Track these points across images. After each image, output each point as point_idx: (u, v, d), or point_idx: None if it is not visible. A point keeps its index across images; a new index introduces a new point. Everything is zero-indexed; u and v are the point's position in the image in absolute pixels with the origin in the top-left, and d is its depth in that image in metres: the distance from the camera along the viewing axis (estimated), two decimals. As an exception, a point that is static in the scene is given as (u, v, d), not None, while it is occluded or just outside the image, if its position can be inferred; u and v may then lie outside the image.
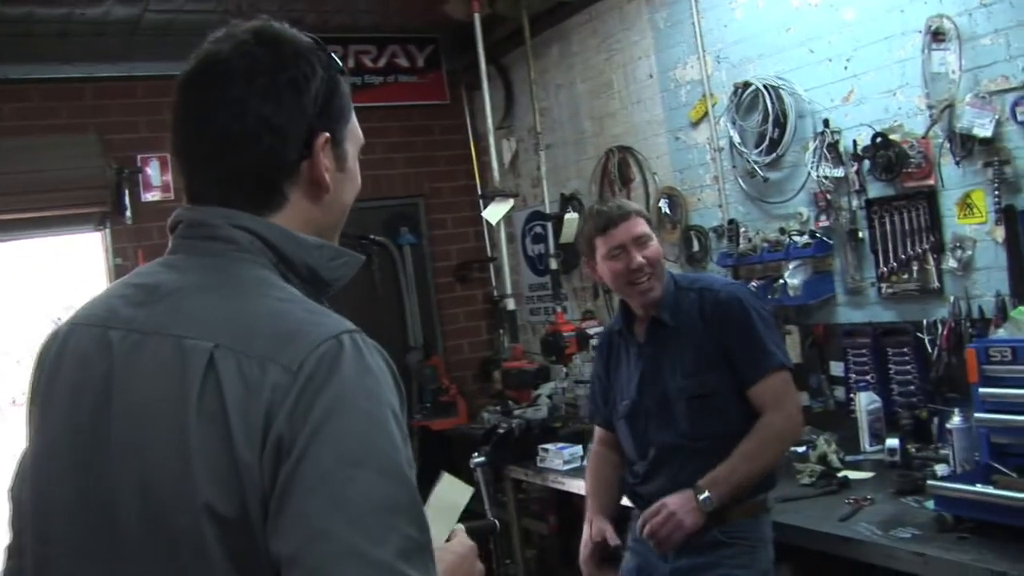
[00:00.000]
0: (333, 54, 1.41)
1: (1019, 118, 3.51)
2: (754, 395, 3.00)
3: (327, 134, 1.36)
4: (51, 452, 1.29)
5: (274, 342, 1.18)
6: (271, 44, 1.35)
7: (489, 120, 6.07)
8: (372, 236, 6.79)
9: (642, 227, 3.09)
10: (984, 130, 3.63)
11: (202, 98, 1.33)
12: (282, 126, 1.31)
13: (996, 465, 2.92)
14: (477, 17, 5.83)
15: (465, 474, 5.20)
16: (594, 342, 5.66)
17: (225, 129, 1.30)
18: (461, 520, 2.36)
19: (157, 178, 6.10)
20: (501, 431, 4.99)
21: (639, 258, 3.04)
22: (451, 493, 1.72)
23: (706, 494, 2.90)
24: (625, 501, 3.41)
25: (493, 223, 5.96)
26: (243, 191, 1.33)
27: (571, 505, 5.17)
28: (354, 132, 1.45)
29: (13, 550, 1.37)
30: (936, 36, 3.80)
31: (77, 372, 1.28)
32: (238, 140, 1.30)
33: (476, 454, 4.80)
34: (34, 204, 5.63)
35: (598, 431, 3.45)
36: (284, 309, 1.25)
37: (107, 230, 6.04)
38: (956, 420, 3.29)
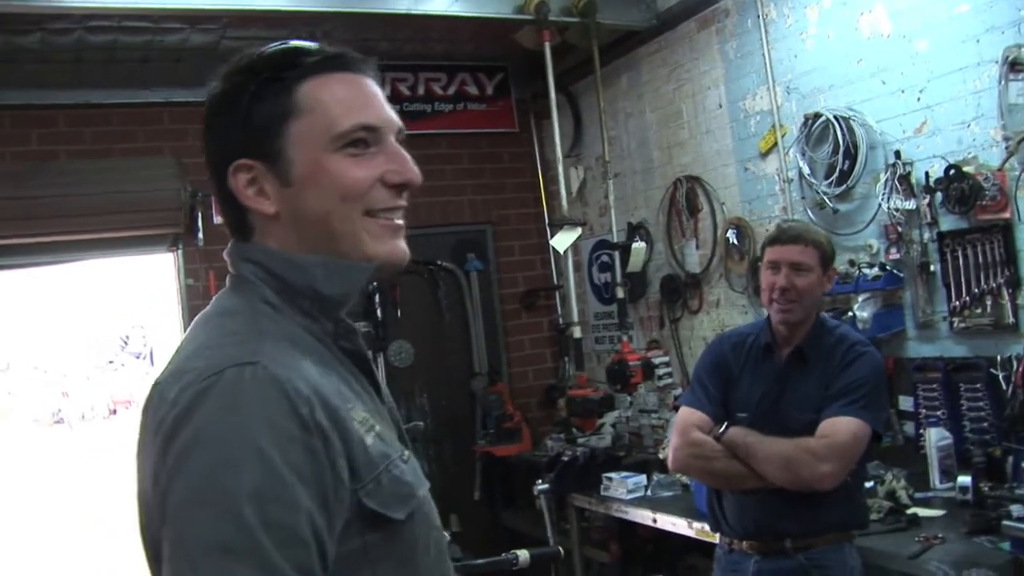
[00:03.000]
0: (274, 48, 1.37)
1: (1098, 151, 3.45)
2: (821, 424, 2.98)
3: (241, 161, 1.33)
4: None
5: (175, 376, 1.22)
6: (223, 79, 1.37)
7: (558, 148, 6.10)
8: (439, 262, 6.85)
9: (805, 256, 3.15)
10: (1063, 162, 3.58)
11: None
12: (215, 161, 1.37)
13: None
14: (548, 46, 5.87)
15: (528, 500, 5.22)
16: (661, 371, 5.66)
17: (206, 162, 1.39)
18: (527, 548, 2.38)
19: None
20: (565, 459, 5.00)
21: (782, 280, 3.12)
22: None
23: (725, 426, 3.08)
24: (697, 533, 3.40)
25: (561, 251, 5.97)
26: (230, 224, 1.40)
27: (634, 534, 5.16)
28: (307, 133, 1.32)
29: None
30: (1014, 67, 3.75)
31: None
32: (208, 177, 1.39)
33: (540, 481, 4.81)
34: (111, 224, 5.76)
35: (698, 416, 3.22)
36: (213, 341, 1.26)
37: (179, 251, 6.16)
38: (1031, 458, 3.23)
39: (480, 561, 2.06)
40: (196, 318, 1.37)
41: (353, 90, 1.36)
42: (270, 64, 1.34)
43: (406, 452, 1.34)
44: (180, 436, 1.15)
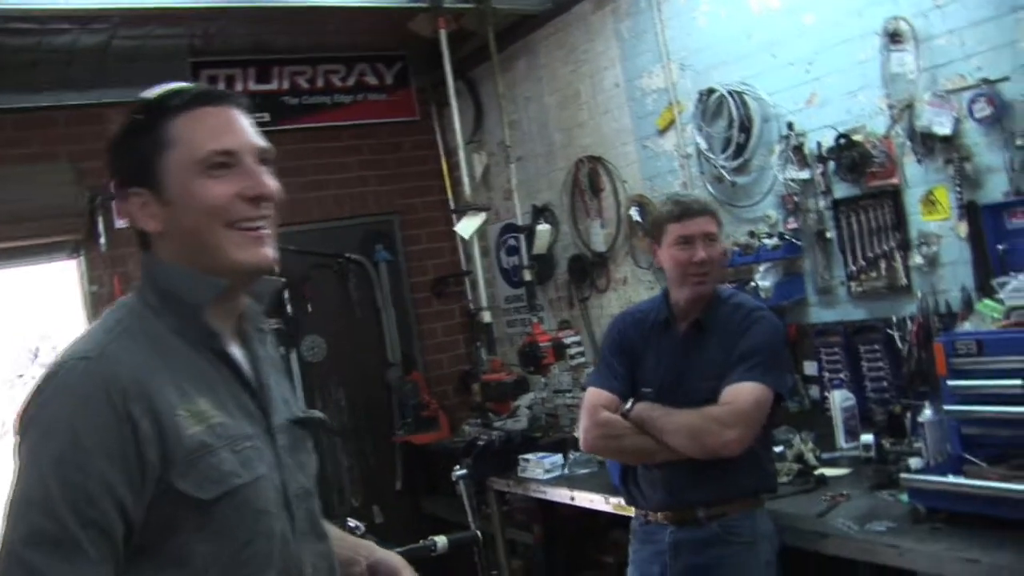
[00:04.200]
0: (151, 94, 1.64)
1: (976, 115, 3.57)
2: (723, 392, 3.04)
3: (133, 189, 1.61)
4: None
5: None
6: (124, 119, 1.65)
7: (459, 135, 6.12)
8: (347, 255, 6.82)
9: (714, 227, 3.21)
10: (943, 128, 3.70)
11: None
12: (116, 189, 1.66)
13: (967, 456, 2.98)
14: (443, 33, 5.87)
15: (450, 487, 5.23)
16: (573, 350, 5.72)
17: None
18: (445, 533, 2.41)
19: (130, 205, 6.10)
20: (481, 443, 5.03)
21: (702, 253, 3.14)
22: None
23: (631, 403, 3.14)
24: (614, 508, 3.45)
25: (466, 237, 5.99)
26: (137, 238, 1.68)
27: (556, 514, 5.21)
28: (180, 159, 1.59)
29: None
30: (894, 37, 3.87)
31: None
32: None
33: (457, 467, 4.82)
34: (8, 234, 5.63)
35: (605, 396, 3.26)
36: (82, 335, 1.58)
37: (81, 258, 6.04)
38: (927, 413, 3.35)
39: (398, 550, 2.06)
40: None
41: (213, 121, 1.62)
42: (146, 108, 1.62)
43: (246, 443, 1.57)
44: (25, 414, 1.48)
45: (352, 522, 2.71)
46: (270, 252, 1.63)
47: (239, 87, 6.57)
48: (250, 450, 1.57)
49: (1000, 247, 3.45)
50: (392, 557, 1.88)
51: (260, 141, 1.66)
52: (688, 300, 3.21)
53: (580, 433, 3.34)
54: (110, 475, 1.41)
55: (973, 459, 2.95)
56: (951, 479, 2.88)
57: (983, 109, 3.55)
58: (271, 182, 1.64)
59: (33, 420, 1.46)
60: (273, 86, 6.73)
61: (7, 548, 1.38)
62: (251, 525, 1.54)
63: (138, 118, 1.62)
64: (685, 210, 3.22)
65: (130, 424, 1.44)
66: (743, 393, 3.00)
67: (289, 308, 6.57)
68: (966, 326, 3.35)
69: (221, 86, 6.46)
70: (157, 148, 1.59)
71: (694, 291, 3.19)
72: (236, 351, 1.68)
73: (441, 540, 2.81)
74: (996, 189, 3.60)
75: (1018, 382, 2.84)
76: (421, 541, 2.75)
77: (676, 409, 3.05)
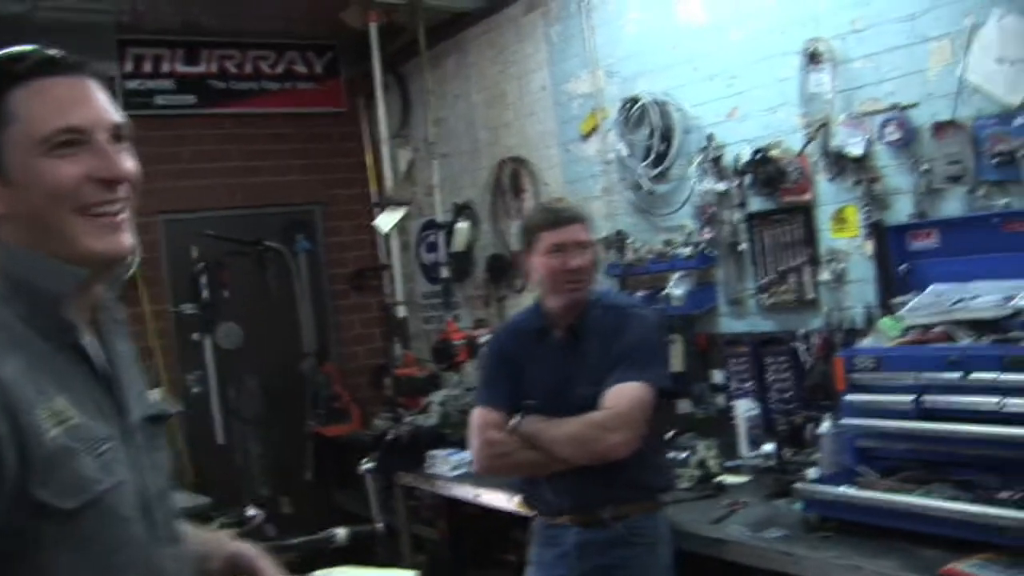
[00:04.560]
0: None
1: (887, 139, 3.68)
2: (604, 395, 3.03)
3: None
4: None
5: None
6: None
7: (384, 128, 6.11)
8: (267, 242, 6.77)
9: (586, 235, 3.19)
10: (856, 149, 3.80)
11: None
12: None
13: (859, 468, 3.06)
14: (373, 27, 5.87)
15: (355, 480, 5.23)
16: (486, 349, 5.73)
17: None
18: (347, 525, 2.41)
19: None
20: (390, 437, 5.02)
21: (576, 260, 3.12)
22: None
23: (518, 419, 3.08)
24: (517, 507, 3.46)
25: (384, 231, 6.00)
26: None
27: (461, 511, 5.22)
28: (22, 137, 1.39)
29: None
30: (813, 58, 3.97)
31: None
32: None
33: (365, 460, 4.82)
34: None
35: (491, 415, 3.21)
36: None
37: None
38: (825, 425, 3.43)
39: (295, 540, 2.06)
40: None
41: (61, 93, 1.42)
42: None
43: (105, 445, 1.40)
44: None
45: (251, 510, 2.70)
46: (127, 240, 1.46)
47: (166, 68, 6.50)
48: (110, 452, 1.41)
49: (902, 267, 3.54)
50: (247, 547, 1.72)
51: (115, 116, 1.46)
52: (562, 307, 3.19)
53: (472, 454, 3.30)
54: None
55: (866, 471, 3.04)
56: (842, 489, 2.96)
57: (893, 133, 3.66)
58: (128, 163, 1.46)
59: None
60: (201, 68, 6.66)
61: None
62: (116, 533, 1.41)
63: None
64: (557, 218, 3.19)
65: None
66: (623, 395, 2.99)
67: (206, 293, 6.51)
68: (866, 342, 3.44)
69: (148, 66, 6.38)
70: None
71: (569, 298, 3.17)
72: (91, 344, 1.48)
73: (341, 532, 2.80)
74: (902, 211, 3.71)
75: (911, 398, 2.93)
76: (320, 532, 2.75)
77: (560, 419, 3.03)
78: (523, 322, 3.38)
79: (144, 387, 1.62)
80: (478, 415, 3.25)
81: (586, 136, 5.30)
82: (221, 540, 1.70)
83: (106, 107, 1.46)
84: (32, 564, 1.32)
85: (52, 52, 1.46)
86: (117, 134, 1.46)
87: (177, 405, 5.88)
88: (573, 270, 3.13)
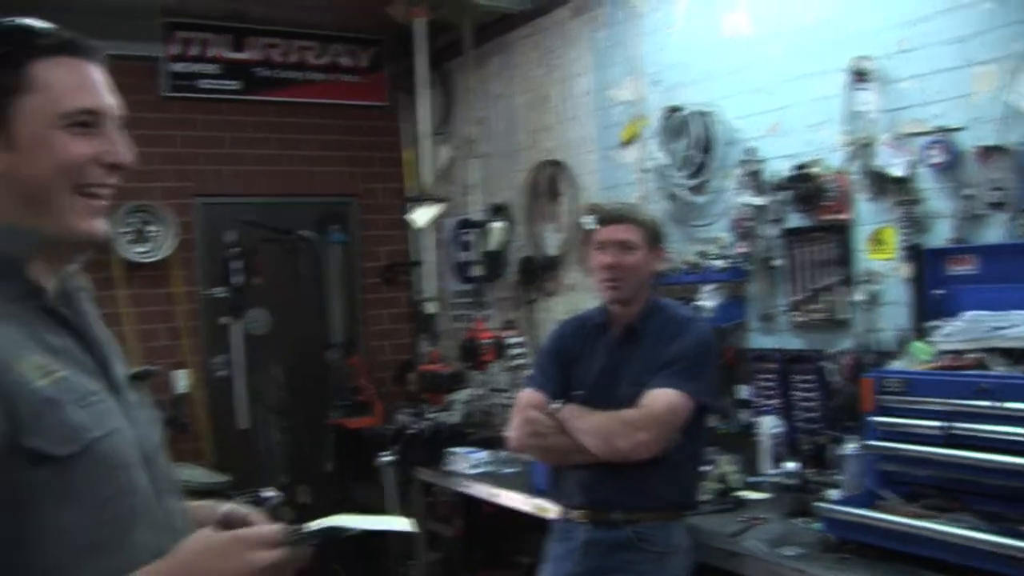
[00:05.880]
0: (19, 25, 1.47)
1: (930, 161, 3.64)
2: (642, 396, 3.09)
3: None
4: None
5: None
6: None
7: (424, 125, 6.11)
8: (301, 232, 6.79)
9: (630, 235, 3.25)
10: (898, 170, 3.76)
11: None
12: None
13: (881, 491, 3.03)
14: (419, 22, 5.88)
15: (374, 474, 5.24)
16: (515, 351, 5.74)
17: None
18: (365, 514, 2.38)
19: None
20: (410, 432, 5.03)
21: (609, 259, 3.21)
22: (395, 520, 1.73)
23: (559, 404, 3.19)
24: (534, 509, 3.48)
25: (417, 225, 6.00)
26: None
27: (477, 510, 5.22)
28: (38, 109, 1.45)
29: None
30: (859, 76, 3.93)
31: None
32: None
33: (384, 453, 4.83)
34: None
35: (535, 396, 3.34)
36: None
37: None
38: (849, 447, 3.40)
39: (311, 528, 2.04)
40: None
41: (80, 75, 1.49)
42: (4, 40, 1.46)
43: (94, 397, 1.43)
44: None
45: (266, 492, 2.69)
46: (104, 225, 1.53)
47: (212, 53, 6.53)
48: (100, 404, 1.44)
49: (938, 292, 3.51)
50: (240, 506, 1.68)
51: (119, 106, 1.55)
52: (609, 304, 3.31)
53: (510, 431, 3.38)
54: None
55: (888, 494, 3.01)
56: (863, 511, 2.93)
57: (937, 156, 3.61)
58: (129, 152, 1.54)
59: None
60: (246, 55, 6.69)
61: None
62: (117, 483, 1.42)
63: (16, 37, 1.46)
64: (606, 215, 3.33)
65: None
66: (660, 398, 3.05)
67: (237, 278, 6.54)
68: (896, 365, 3.40)
69: (194, 50, 6.43)
70: (11, 88, 1.44)
71: (607, 296, 3.29)
72: (63, 308, 1.52)
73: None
74: (941, 235, 3.66)
75: (938, 423, 2.89)
76: (336, 521, 2.74)
77: (595, 412, 3.09)
78: (588, 316, 3.49)
79: (118, 349, 1.64)
80: (525, 395, 3.39)
81: (626, 143, 5.28)
82: (213, 505, 1.70)
83: (112, 96, 1.54)
84: (33, 520, 1.32)
85: (73, 34, 1.51)
86: (121, 124, 1.55)
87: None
88: (609, 267, 3.22)
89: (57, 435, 1.35)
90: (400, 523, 1.68)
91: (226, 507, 1.61)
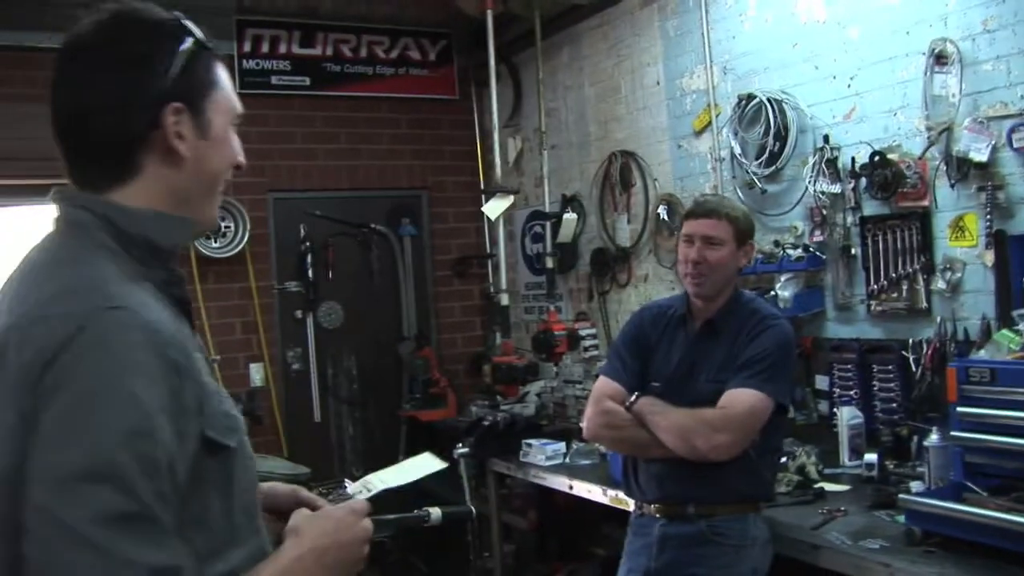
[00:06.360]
0: (196, 31, 1.49)
1: (1015, 145, 3.55)
2: (722, 396, 3.06)
3: (178, 104, 1.42)
4: None
5: (34, 322, 1.27)
6: (121, 22, 1.43)
7: (496, 117, 6.11)
8: (373, 225, 6.85)
9: (718, 230, 3.20)
10: (980, 155, 3.67)
11: (57, 77, 1.43)
12: (125, 98, 1.39)
13: (968, 483, 2.96)
14: (489, 14, 5.87)
15: (449, 466, 5.26)
16: (588, 342, 5.73)
17: (69, 104, 1.41)
18: (440, 506, 2.40)
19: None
20: (485, 424, 5.03)
21: (694, 253, 3.18)
22: (423, 462, 1.78)
23: (636, 396, 3.16)
24: (611, 501, 3.47)
25: (492, 218, 6.00)
26: (95, 163, 1.43)
27: (552, 502, 5.22)
28: (222, 104, 1.50)
29: None
30: (939, 59, 3.85)
31: None
32: (81, 114, 1.40)
33: (459, 445, 4.84)
34: (33, 171, 5.60)
35: (612, 387, 3.29)
36: (69, 286, 1.32)
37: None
38: (933, 438, 3.33)
39: (390, 517, 2.07)
40: (23, 262, 1.42)
41: (231, 80, 1.55)
42: (194, 35, 1.47)
43: (223, 389, 1.45)
44: (52, 379, 1.22)
45: (349, 486, 2.71)
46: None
47: (283, 49, 6.60)
48: (227, 396, 1.46)
49: (1024, 279, 3.43)
50: (279, 484, 1.79)
51: None
52: (692, 297, 3.27)
53: (584, 421, 3.37)
54: (168, 439, 1.25)
55: (974, 487, 2.93)
56: (950, 504, 2.87)
57: (1022, 139, 3.52)
58: None
59: (68, 382, 1.21)
60: (317, 51, 6.76)
61: (70, 529, 1.16)
62: (247, 471, 1.46)
63: (200, 38, 1.48)
64: (695, 209, 3.32)
65: (179, 375, 1.29)
66: (739, 399, 3.02)
67: (310, 272, 6.61)
68: (981, 354, 3.33)
69: (265, 46, 6.51)
70: (209, 81, 1.48)
71: (690, 290, 3.26)
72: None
73: (436, 511, 2.79)
74: (1026, 221, 3.58)
75: (1027, 414, 2.82)
76: (415, 510, 2.76)
77: (674, 408, 3.07)
78: (668, 304, 3.45)
79: None
80: (600, 383, 3.35)
81: (698, 132, 5.24)
82: (274, 487, 1.75)
83: None
84: (193, 513, 1.32)
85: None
86: None
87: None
88: (691, 261, 3.18)
89: (223, 426, 1.38)
90: (430, 462, 1.75)
91: (266, 486, 1.68)
